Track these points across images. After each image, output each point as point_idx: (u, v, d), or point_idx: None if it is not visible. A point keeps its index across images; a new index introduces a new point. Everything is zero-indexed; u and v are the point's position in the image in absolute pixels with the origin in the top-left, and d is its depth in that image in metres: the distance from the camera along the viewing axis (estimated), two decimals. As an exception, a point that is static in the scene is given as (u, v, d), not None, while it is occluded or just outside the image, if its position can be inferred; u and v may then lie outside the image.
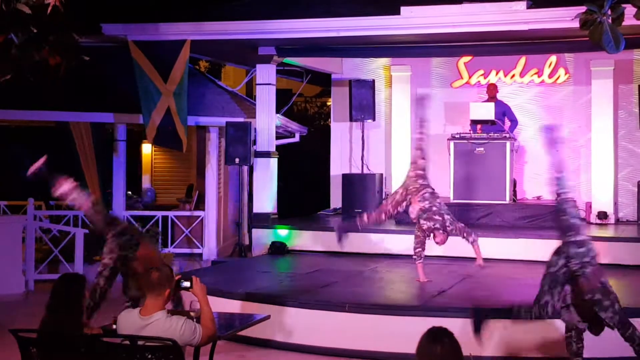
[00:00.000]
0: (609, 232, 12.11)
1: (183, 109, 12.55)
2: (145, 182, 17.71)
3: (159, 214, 14.33)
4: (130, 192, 16.06)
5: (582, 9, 3.70)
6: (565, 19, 9.76)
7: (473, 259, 9.81)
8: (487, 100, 13.34)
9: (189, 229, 14.10)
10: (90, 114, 13.76)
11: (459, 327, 6.80)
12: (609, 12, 3.66)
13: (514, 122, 13.37)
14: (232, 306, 8.74)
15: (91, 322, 6.20)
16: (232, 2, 13.75)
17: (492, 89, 13.55)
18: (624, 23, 3.71)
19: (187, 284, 5.40)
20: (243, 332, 7.16)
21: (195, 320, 5.31)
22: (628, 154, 13.58)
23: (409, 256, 10.06)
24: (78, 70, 9.84)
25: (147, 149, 17.84)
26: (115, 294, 7.71)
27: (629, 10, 3.66)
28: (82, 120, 13.73)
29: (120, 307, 6.21)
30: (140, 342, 4.91)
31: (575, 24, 3.75)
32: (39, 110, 13.77)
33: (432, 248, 10.18)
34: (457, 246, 10.19)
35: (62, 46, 8.14)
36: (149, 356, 4.89)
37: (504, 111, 13.27)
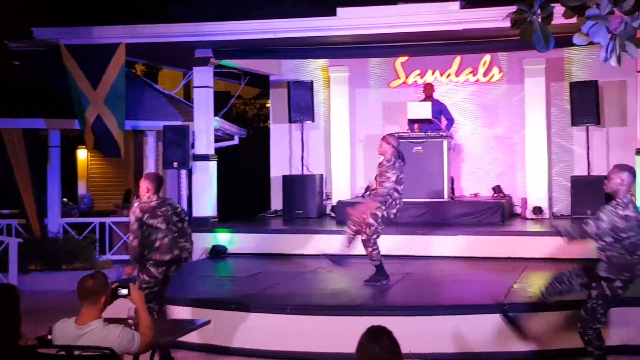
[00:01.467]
0: (544, 227, 12.30)
1: (120, 114, 12.27)
2: (82, 189, 17.48)
3: (96, 220, 14.13)
4: (66, 199, 15.83)
5: (513, 8, 3.74)
6: (497, 18, 9.84)
7: (413, 257, 9.88)
8: (424, 100, 13.46)
9: (127, 235, 13.93)
10: (21, 120, 13.45)
11: (399, 325, 6.86)
12: (539, 11, 3.71)
13: (451, 120, 13.52)
14: (173, 312, 8.66)
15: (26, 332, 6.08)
16: (168, 4, 13.65)
17: (428, 89, 13.67)
18: (553, 22, 3.76)
19: (124, 291, 5.33)
20: (185, 338, 7.11)
21: (133, 327, 5.25)
22: (561, 150, 13.82)
23: (350, 256, 10.10)
24: (9, 75, 9.67)
25: (82, 154, 17.61)
26: (50, 304, 7.60)
27: (558, 9, 3.72)
28: (12, 126, 13.39)
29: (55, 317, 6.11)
30: (76, 352, 4.84)
31: (507, 24, 3.79)
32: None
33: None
34: (396, 245, 10.27)
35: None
36: (87, 366, 4.82)
37: (440, 110, 13.40)
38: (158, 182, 8.03)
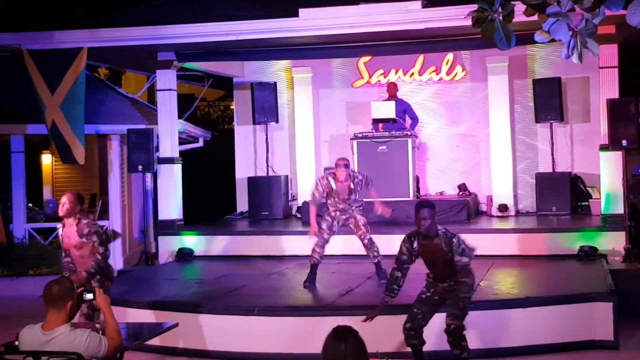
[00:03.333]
0: (510, 224, 12.41)
1: (77, 119, 11.97)
2: (47, 194, 17.29)
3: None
4: (31, 204, 15.66)
5: (474, 7, 3.76)
6: (459, 17, 9.94)
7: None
8: (388, 99, 13.49)
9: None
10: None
11: (366, 324, 6.89)
12: (500, 9, 3.73)
13: (415, 119, 13.57)
14: (140, 316, 8.63)
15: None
16: (130, 7, 13.55)
17: (392, 88, 13.71)
18: (514, 20, 3.79)
19: (89, 296, 5.31)
20: (153, 342, 7.09)
21: (100, 332, 5.22)
22: (525, 147, 13.92)
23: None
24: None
25: (47, 159, 17.42)
26: (16, 310, 7.54)
27: (519, 7, 3.75)
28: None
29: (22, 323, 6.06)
30: (44, 358, 4.80)
31: (468, 22, 3.81)
32: None
33: (336, 248, 10.27)
34: (362, 245, 10.26)
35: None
36: (54, 371, 4.78)
37: (404, 109, 13.44)
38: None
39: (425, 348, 7.21)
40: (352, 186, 9.55)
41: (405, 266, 7.12)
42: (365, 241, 9.62)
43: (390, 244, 9.78)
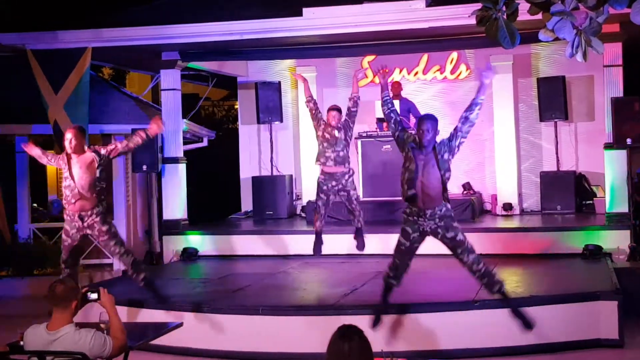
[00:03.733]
0: (514, 223, 12.39)
1: (81, 119, 11.90)
2: (51, 194, 17.33)
3: (67, 225, 14.00)
4: (35, 205, 15.70)
5: (478, 6, 3.75)
6: (463, 16, 9.97)
7: (383, 256, 9.87)
8: (392, 98, 13.38)
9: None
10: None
11: (370, 324, 6.90)
12: (504, 8, 3.73)
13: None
14: (145, 315, 8.64)
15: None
16: (134, 7, 13.55)
17: (396, 87, 13.69)
18: (518, 18, 3.78)
19: (94, 295, 5.31)
20: (157, 341, 7.08)
21: (105, 332, 5.23)
22: (530, 145, 13.91)
23: (321, 256, 10.14)
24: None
25: (51, 159, 17.43)
26: (21, 310, 7.55)
27: (523, 6, 3.74)
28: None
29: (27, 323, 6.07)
30: (48, 358, 4.81)
31: (473, 21, 3.80)
32: None
33: (341, 247, 10.29)
34: (368, 244, 10.28)
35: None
36: (59, 371, 4.79)
37: (409, 108, 13.42)
38: None
39: (441, 347, 7.22)
40: (341, 120, 10.01)
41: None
42: (356, 212, 9.98)
43: (388, 243, 9.82)
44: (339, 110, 10.01)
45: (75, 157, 8.25)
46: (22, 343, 5.18)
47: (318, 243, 10.03)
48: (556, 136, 13.26)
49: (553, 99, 13.05)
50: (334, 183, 9.86)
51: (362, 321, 4.40)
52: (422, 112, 13.57)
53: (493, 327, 8.00)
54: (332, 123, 9.89)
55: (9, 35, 12.25)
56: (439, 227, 7.16)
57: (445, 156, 7.15)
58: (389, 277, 7.53)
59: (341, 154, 9.87)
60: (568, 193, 12.97)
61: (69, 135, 8.20)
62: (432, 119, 7.19)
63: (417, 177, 7.09)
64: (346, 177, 9.88)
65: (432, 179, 7.10)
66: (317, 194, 9.99)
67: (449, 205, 7.23)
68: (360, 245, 10.12)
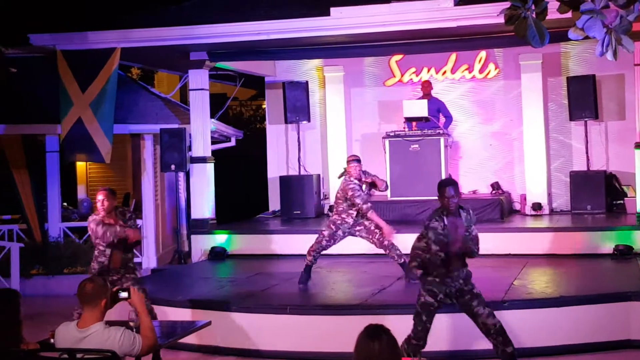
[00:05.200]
0: (544, 223, 12.31)
1: (107, 118, 12.07)
2: (81, 193, 17.45)
3: (96, 224, 14.08)
4: (65, 204, 15.82)
5: (507, 4, 3.74)
6: (491, 15, 9.91)
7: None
8: (422, 97, 13.45)
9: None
10: (18, 126, 13.47)
11: (398, 324, 6.87)
12: (533, 6, 3.71)
13: (449, 118, 13.51)
14: (173, 314, 8.68)
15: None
16: (162, 8, 13.62)
17: (426, 86, 13.67)
18: (548, 17, 3.76)
19: (124, 294, 5.35)
20: (186, 340, 7.13)
21: (134, 330, 5.26)
22: (559, 145, 13.81)
23: (348, 255, 10.13)
24: (6, 81, 9.65)
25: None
26: (52, 308, 7.61)
27: (553, 4, 3.72)
28: (8, 132, 13.40)
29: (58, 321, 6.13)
30: (79, 355, 4.85)
31: (501, 20, 3.78)
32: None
33: (368, 247, 10.25)
34: (396, 243, 10.24)
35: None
36: (89, 369, 4.83)
37: (438, 107, 13.40)
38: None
39: (469, 347, 7.16)
40: (363, 178, 9.52)
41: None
42: (386, 243, 9.46)
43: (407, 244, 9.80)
44: (358, 160, 9.61)
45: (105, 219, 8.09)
46: (52, 341, 5.23)
47: (306, 276, 9.74)
48: (586, 135, 13.16)
49: (583, 98, 12.95)
50: (349, 227, 9.58)
51: (389, 321, 4.39)
52: (451, 111, 13.59)
53: (521, 327, 7.95)
54: (355, 175, 9.47)
55: (41, 36, 12.36)
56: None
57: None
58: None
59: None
60: (598, 193, 12.87)
61: (100, 197, 8.08)
62: (453, 184, 6.90)
63: (447, 255, 6.72)
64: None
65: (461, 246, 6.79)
66: (329, 225, 9.68)
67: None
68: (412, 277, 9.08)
